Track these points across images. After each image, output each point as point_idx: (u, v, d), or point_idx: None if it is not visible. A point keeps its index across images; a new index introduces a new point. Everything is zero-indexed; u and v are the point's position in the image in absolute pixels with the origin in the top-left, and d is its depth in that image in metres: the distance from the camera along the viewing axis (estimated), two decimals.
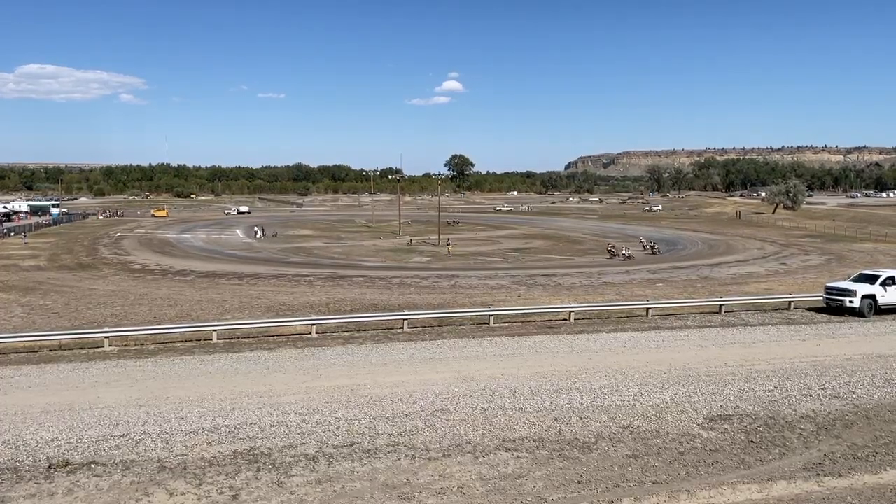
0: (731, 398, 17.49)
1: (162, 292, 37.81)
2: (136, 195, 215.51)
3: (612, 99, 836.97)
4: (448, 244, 66.54)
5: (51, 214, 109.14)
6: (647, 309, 29.95)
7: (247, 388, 18.38)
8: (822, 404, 17.03)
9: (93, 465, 13.21)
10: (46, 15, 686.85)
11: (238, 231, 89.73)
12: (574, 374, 19.73)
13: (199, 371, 20.42)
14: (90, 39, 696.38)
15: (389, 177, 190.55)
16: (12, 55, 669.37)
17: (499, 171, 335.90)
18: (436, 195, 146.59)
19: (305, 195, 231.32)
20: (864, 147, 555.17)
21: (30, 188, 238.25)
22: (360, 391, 18.00)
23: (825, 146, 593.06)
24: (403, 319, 27.10)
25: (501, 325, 27.79)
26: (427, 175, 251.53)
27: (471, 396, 17.55)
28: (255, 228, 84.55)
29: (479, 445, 14.24)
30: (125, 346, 24.03)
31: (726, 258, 58.28)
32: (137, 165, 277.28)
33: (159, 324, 27.38)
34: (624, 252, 58.35)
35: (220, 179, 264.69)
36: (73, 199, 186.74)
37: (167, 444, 14.32)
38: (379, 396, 17.53)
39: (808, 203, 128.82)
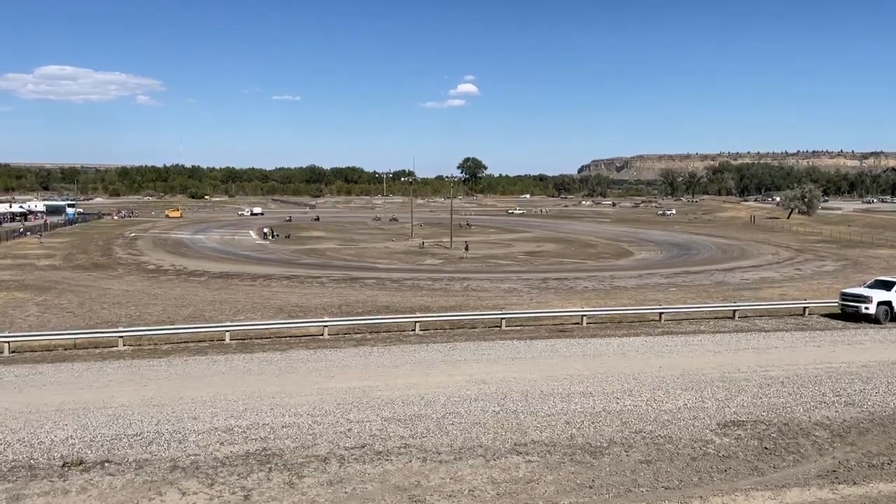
0: (745, 404, 17.35)
1: (175, 292, 38.06)
2: (151, 196, 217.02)
3: (626, 102, 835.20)
4: (465, 248, 66.71)
5: (66, 214, 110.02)
6: (661, 314, 29.80)
7: (259, 388, 18.46)
8: (836, 411, 16.87)
9: (106, 464, 13.31)
10: (67, 16, 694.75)
11: (251, 232, 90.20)
12: (586, 379, 19.66)
13: (211, 371, 20.53)
14: (110, 41, 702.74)
15: (402, 179, 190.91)
16: (32, 56, 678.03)
17: (511, 174, 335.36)
18: (448, 198, 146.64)
19: (318, 197, 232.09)
20: (881, 152, 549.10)
21: (46, 188, 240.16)
22: (371, 393, 18.03)
23: (841, 151, 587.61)
24: (415, 322, 27.11)
25: (513, 328, 27.74)
26: (440, 178, 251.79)
27: (482, 400, 17.52)
28: (265, 230, 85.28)
29: (491, 449, 14.22)
30: (139, 345, 24.20)
31: (740, 263, 57.91)
32: (152, 166, 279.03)
33: (173, 324, 27.54)
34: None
35: (234, 181, 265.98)
36: (88, 200, 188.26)
37: (180, 443, 14.41)
38: (391, 398, 17.54)
39: (823, 208, 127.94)
